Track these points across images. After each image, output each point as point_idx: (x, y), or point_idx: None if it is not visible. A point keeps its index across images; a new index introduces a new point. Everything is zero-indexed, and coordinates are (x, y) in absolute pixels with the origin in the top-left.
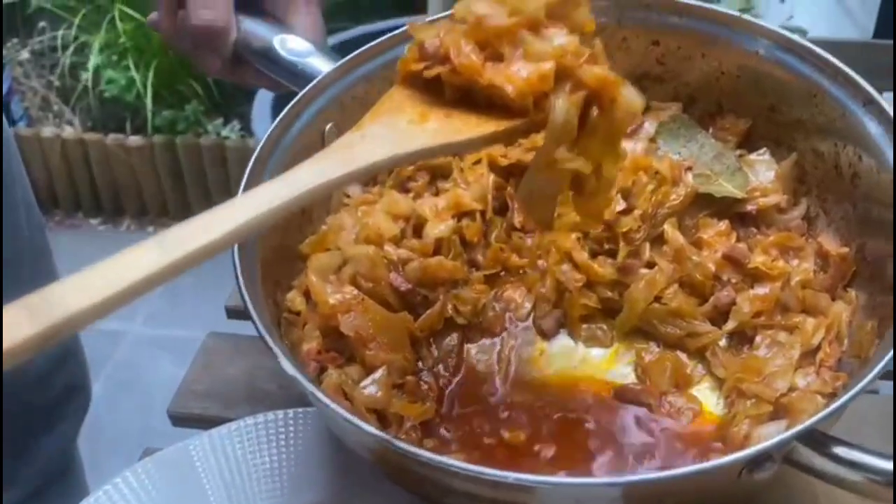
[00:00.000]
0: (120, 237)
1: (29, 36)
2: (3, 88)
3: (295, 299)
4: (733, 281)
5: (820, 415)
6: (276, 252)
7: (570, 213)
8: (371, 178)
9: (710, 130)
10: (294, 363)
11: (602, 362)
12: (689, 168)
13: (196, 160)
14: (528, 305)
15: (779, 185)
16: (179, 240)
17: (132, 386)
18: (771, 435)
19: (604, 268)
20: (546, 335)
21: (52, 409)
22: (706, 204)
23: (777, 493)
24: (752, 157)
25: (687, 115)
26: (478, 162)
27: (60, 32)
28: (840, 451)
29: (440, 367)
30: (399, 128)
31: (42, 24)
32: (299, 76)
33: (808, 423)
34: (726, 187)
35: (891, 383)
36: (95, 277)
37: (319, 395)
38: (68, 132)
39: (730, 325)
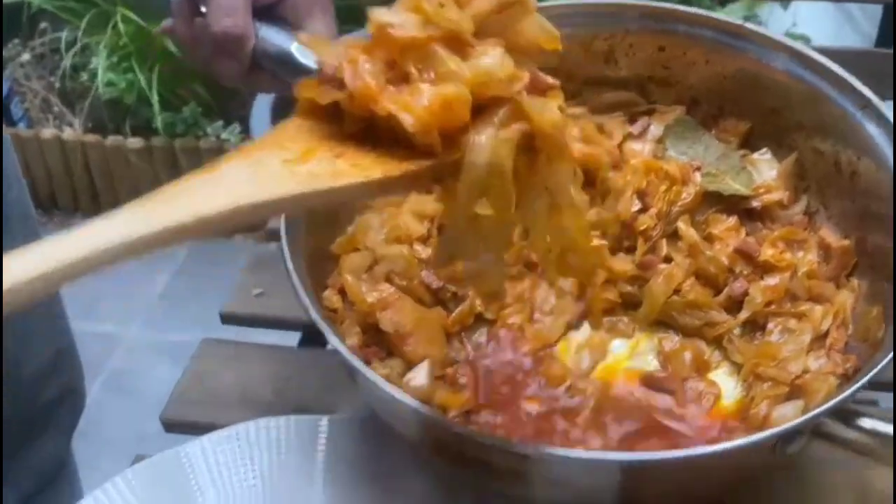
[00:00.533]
0: None
1: (30, 37)
2: (3, 90)
3: (331, 297)
4: (745, 273)
5: (852, 388)
6: (313, 253)
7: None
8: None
9: (713, 132)
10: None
11: (625, 353)
12: (698, 168)
13: (195, 162)
14: (552, 300)
15: (781, 182)
16: None
17: (128, 390)
18: (788, 414)
19: (624, 264)
20: (570, 327)
21: (47, 413)
22: (714, 201)
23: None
24: (755, 156)
25: (690, 118)
26: None
27: (64, 34)
28: (866, 422)
29: (473, 359)
30: (267, 169)
31: (43, 25)
32: None
33: (841, 396)
34: (733, 185)
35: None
36: None
37: (381, 382)
38: (68, 133)
39: (744, 314)
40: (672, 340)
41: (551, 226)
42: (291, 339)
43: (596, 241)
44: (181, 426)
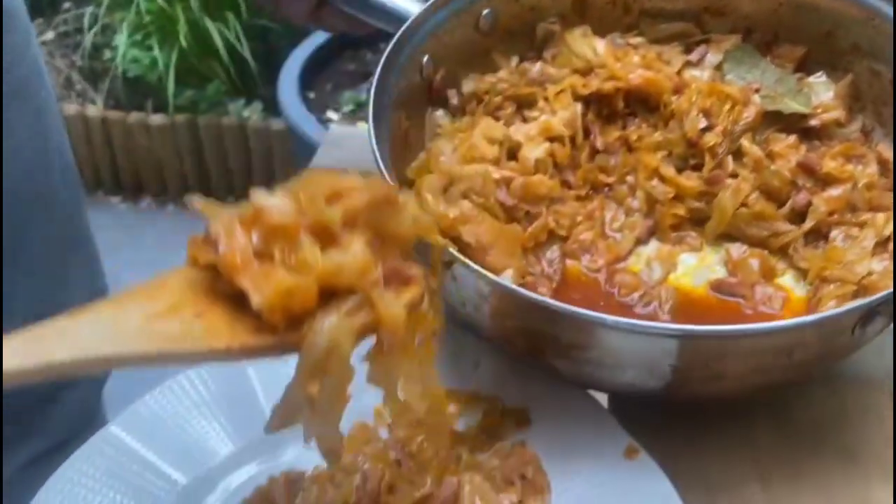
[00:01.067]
0: (140, 215)
1: (54, 15)
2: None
3: None
4: (807, 185)
5: None
6: None
7: (653, 134)
8: (460, 107)
9: (768, 58)
10: None
11: (694, 264)
12: (757, 90)
13: (217, 140)
14: (621, 217)
15: (838, 102)
16: None
17: None
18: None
19: (691, 180)
20: (639, 242)
21: None
22: (774, 121)
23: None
24: (811, 80)
25: (747, 44)
26: (561, 91)
27: (89, 10)
28: None
29: (549, 272)
30: (126, 323)
31: (67, 4)
32: (391, 16)
33: None
34: (792, 105)
35: None
36: None
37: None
38: (91, 110)
39: (808, 223)
40: (739, 250)
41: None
42: None
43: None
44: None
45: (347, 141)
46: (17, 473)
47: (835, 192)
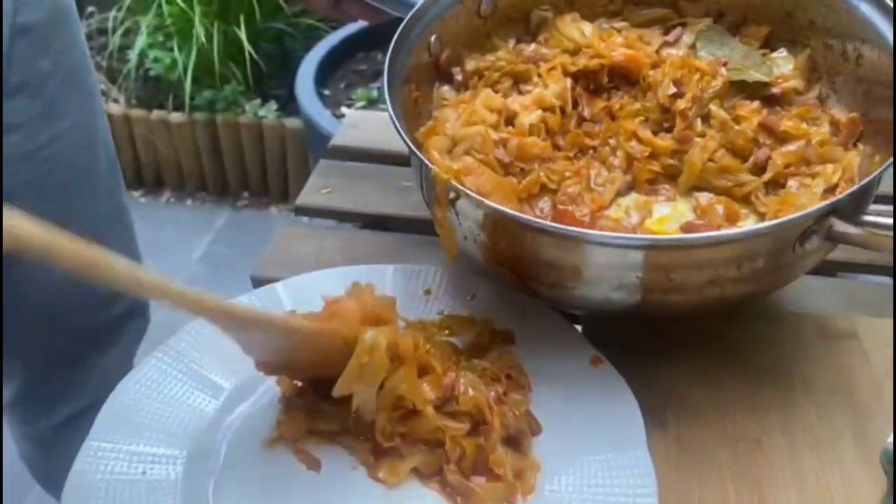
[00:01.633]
0: (160, 208)
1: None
2: None
3: None
4: (768, 143)
5: (849, 190)
6: None
7: (634, 104)
8: (463, 83)
9: (737, 38)
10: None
11: (667, 213)
12: (725, 63)
13: (234, 138)
14: (605, 173)
15: (797, 73)
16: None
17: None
18: None
19: (664, 140)
20: (619, 195)
21: (115, 327)
22: (740, 90)
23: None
24: (774, 55)
25: (718, 26)
26: (553, 68)
27: (111, 14)
28: (867, 218)
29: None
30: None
31: (91, 8)
32: (400, 3)
33: (839, 196)
34: (755, 75)
35: None
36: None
37: (459, 186)
38: (114, 109)
39: (767, 174)
40: (707, 198)
41: None
42: None
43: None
44: (268, 282)
45: (363, 123)
46: (55, 430)
47: (791, 147)
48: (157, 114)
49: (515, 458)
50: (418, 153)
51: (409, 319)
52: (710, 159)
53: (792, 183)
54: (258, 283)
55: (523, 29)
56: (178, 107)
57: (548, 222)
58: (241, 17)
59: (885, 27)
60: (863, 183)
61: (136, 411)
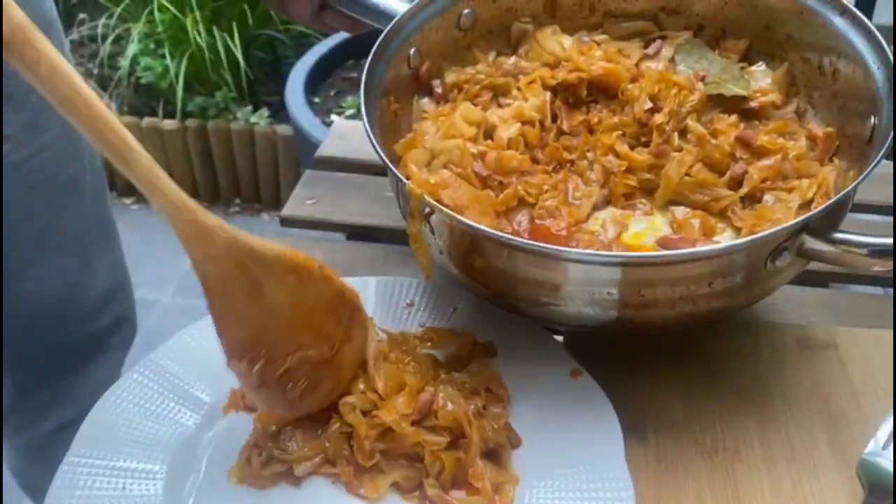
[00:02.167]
0: (152, 216)
1: (69, 27)
2: None
3: None
4: (744, 157)
5: (820, 207)
6: None
7: (612, 118)
8: (443, 96)
9: (716, 51)
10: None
11: (643, 228)
12: (703, 77)
13: (226, 145)
14: (582, 187)
15: (774, 87)
16: None
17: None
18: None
19: (641, 155)
20: (596, 208)
21: (104, 338)
22: (718, 103)
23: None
24: (752, 68)
25: (697, 39)
26: (532, 81)
27: (101, 21)
28: (839, 236)
29: (519, 231)
30: None
31: (82, 16)
32: (381, 15)
33: (810, 213)
34: (733, 88)
35: None
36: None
37: (432, 202)
38: None
39: (744, 189)
40: (683, 212)
41: None
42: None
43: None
44: None
45: (349, 133)
46: (44, 441)
47: (767, 162)
48: (148, 121)
49: (495, 471)
50: (392, 167)
51: (391, 332)
52: (686, 174)
53: (768, 197)
54: None
55: (504, 42)
56: (170, 114)
57: (521, 239)
58: (234, 25)
59: (859, 42)
60: (835, 199)
61: (117, 427)
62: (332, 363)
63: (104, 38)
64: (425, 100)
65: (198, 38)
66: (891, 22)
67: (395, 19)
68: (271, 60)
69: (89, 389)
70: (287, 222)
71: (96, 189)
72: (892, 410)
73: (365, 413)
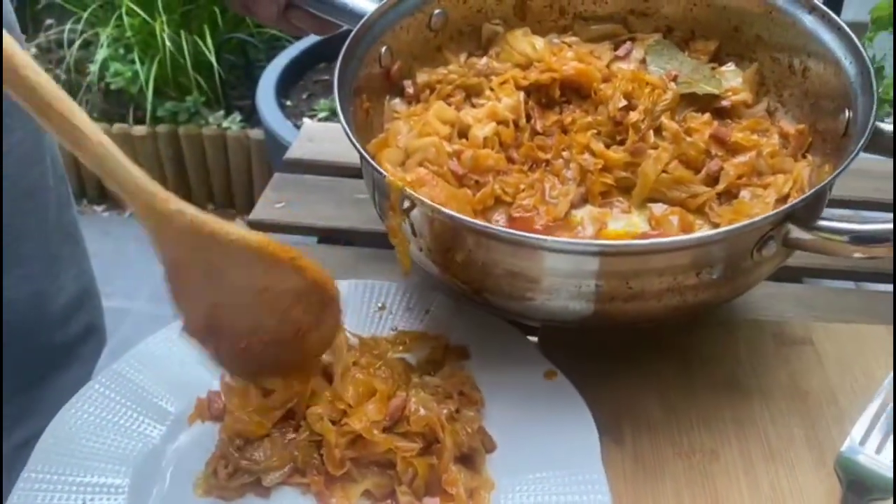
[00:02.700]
0: (123, 223)
1: (36, 32)
2: None
3: None
4: (719, 154)
5: (804, 195)
6: None
7: (586, 117)
8: (415, 96)
9: (686, 53)
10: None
11: (621, 226)
12: (674, 78)
13: (198, 150)
14: (559, 186)
15: (746, 86)
16: None
17: None
18: None
19: (617, 153)
20: (574, 207)
21: (72, 348)
22: (690, 103)
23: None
24: (722, 69)
25: (667, 41)
26: (505, 82)
27: (68, 26)
28: (822, 223)
29: None
30: None
31: (49, 21)
32: (349, 14)
33: (796, 200)
34: (705, 87)
35: None
36: None
37: (413, 193)
38: None
39: (720, 185)
40: (661, 209)
41: None
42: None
43: None
44: None
45: (319, 135)
46: (13, 453)
47: (742, 158)
48: (118, 127)
49: (469, 476)
50: (371, 161)
51: (362, 336)
52: (663, 171)
53: (745, 193)
54: None
55: (475, 43)
56: (140, 119)
57: (503, 228)
58: (205, 28)
59: (829, 38)
60: (817, 189)
61: (77, 440)
62: (296, 346)
63: (71, 43)
64: (397, 100)
65: (167, 42)
66: (858, 18)
67: (366, 17)
68: (243, 64)
69: (59, 401)
70: (256, 226)
71: (60, 194)
72: (868, 406)
73: (334, 422)
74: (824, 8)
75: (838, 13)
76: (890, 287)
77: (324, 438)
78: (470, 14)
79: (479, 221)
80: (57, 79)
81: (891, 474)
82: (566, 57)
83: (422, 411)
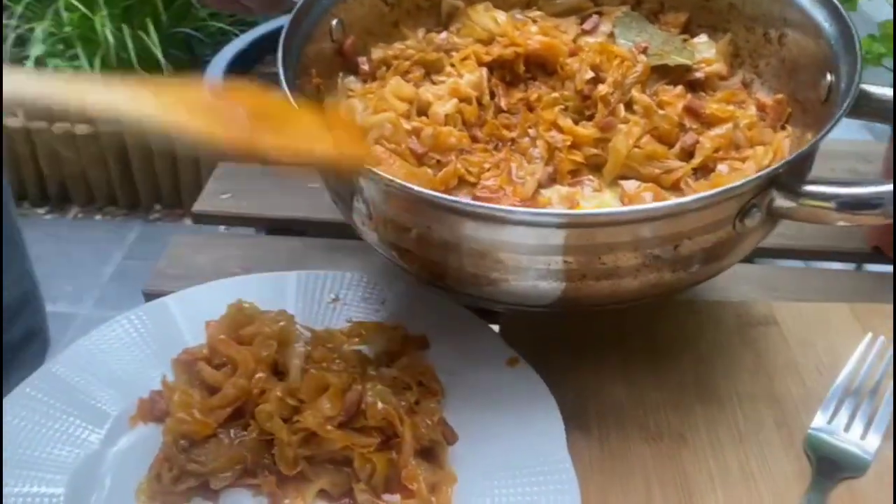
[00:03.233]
0: (67, 226)
1: None
2: None
3: None
4: (694, 127)
5: (788, 158)
6: None
7: (552, 93)
8: (370, 73)
9: (656, 25)
10: None
11: (594, 207)
12: (644, 50)
13: (144, 148)
14: (525, 165)
15: (719, 57)
16: None
17: None
18: None
19: (586, 129)
20: (542, 186)
21: (14, 352)
22: (662, 75)
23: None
24: (694, 41)
25: (635, 12)
26: (466, 58)
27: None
28: (808, 188)
29: None
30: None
31: None
32: None
33: (776, 164)
34: (677, 59)
35: None
36: None
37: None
38: (13, 122)
39: (696, 160)
40: (634, 185)
41: None
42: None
43: None
44: (161, 296)
45: None
46: None
47: (719, 131)
48: (59, 126)
49: (430, 470)
50: None
51: (315, 329)
52: (635, 146)
53: (722, 167)
54: (151, 298)
55: (433, 20)
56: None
57: (466, 200)
58: (148, 22)
59: (806, 2)
60: (801, 150)
61: (7, 448)
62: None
63: (4, 39)
64: (351, 78)
65: (109, 37)
66: None
67: None
68: (189, 59)
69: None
70: (200, 218)
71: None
72: (834, 385)
73: (286, 419)
74: None
75: None
76: (842, 266)
77: (275, 437)
78: None
79: (441, 194)
80: None
81: (860, 451)
82: (530, 31)
83: (379, 404)
